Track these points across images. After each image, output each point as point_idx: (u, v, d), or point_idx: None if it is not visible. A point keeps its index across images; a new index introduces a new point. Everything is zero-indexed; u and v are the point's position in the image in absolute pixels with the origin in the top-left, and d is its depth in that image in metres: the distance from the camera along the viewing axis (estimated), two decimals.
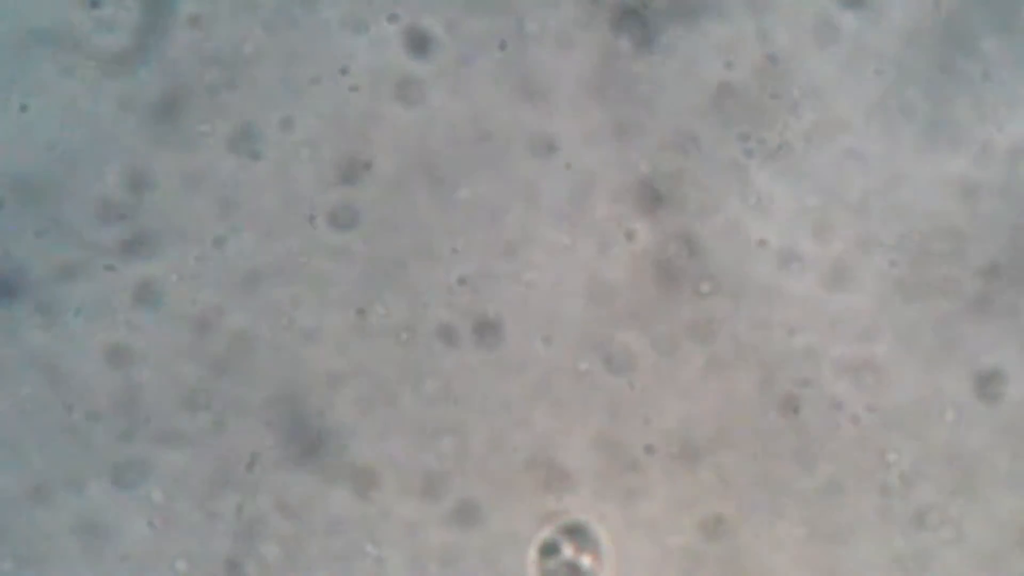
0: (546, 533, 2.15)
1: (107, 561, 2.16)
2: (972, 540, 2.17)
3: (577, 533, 2.15)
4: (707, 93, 2.20)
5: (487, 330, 2.18)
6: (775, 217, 2.19)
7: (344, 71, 2.19)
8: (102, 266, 2.15)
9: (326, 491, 2.16)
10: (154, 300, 2.16)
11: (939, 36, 2.20)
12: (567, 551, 2.16)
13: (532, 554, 2.15)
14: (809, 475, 2.17)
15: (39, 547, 2.15)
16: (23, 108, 2.16)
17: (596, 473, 2.18)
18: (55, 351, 2.15)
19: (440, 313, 2.18)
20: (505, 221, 2.20)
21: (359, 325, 2.17)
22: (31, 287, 2.15)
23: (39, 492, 2.14)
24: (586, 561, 2.16)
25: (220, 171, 2.17)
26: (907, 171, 2.20)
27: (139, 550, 2.15)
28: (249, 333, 2.16)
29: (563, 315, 2.19)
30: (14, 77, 2.16)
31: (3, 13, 2.16)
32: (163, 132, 2.17)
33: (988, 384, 2.17)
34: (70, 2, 2.17)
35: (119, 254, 2.15)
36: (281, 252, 2.17)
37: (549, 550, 2.16)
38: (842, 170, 2.19)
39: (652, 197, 2.20)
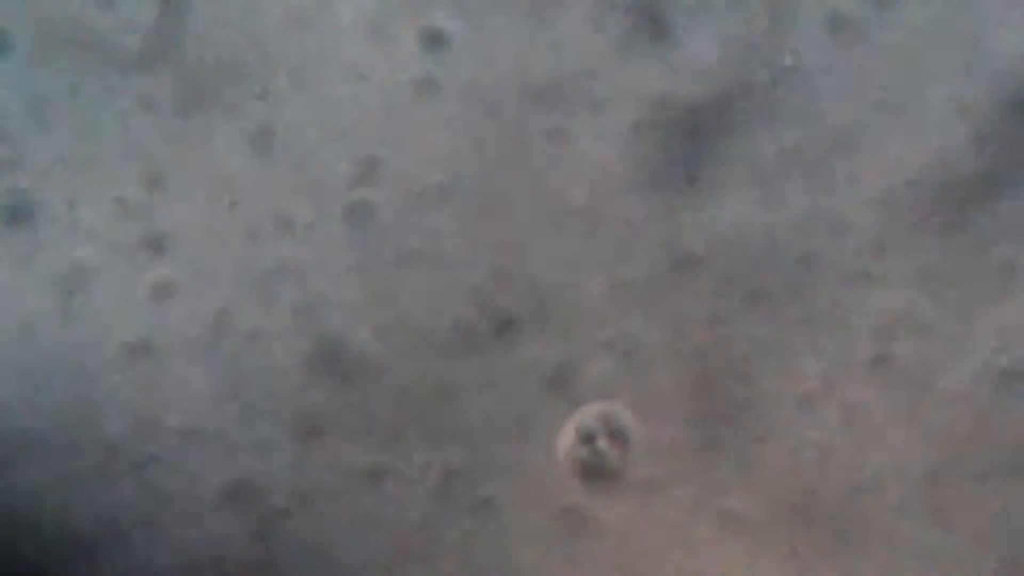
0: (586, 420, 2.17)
1: (123, 560, 2.18)
2: (997, 536, 2.17)
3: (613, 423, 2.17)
4: (723, 89, 2.19)
5: (505, 327, 2.19)
6: (792, 213, 2.18)
7: (360, 69, 2.18)
8: (119, 264, 2.17)
9: (343, 487, 2.17)
10: (171, 297, 2.17)
11: (957, 30, 2.18)
12: (602, 441, 2.18)
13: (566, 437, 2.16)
14: (829, 474, 2.17)
15: (55, 547, 2.17)
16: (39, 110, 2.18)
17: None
18: (74, 349, 2.17)
19: (457, 310, 2.18)
20: (521, 218, 2.19)
21: (376, 323, 2.18)
22: (48, 286, 2.17)
23: (56, 489, 2.17)
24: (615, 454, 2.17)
25: (237, 170, 2.18)
26: (924, 165, 2.18)
27: (154, 549, 2.18)
28: (265, 332, 2.18)
29: (580, 312, 2.19)
30: (31, 78, 2.17)
31: (19, 13, 2.17)
32: (180, 131, 2.18)
33: (1010, 379, 2.17)
34: (87, 2, 2.17)
35: (136, 253, 2.17)
36: (298, 251, 2.18)
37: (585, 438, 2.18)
38: (859, 167, 2.18)
39: (669, 193, 2.19)
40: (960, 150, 2.17)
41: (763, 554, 2.18)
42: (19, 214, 2.17)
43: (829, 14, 2.09)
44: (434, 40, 2.19)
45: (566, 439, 2.18)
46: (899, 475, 2.19)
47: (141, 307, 2.17)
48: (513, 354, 2.19)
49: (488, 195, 2.20)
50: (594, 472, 2.19)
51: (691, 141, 2.18)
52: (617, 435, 2.17)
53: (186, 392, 2.18)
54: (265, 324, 2.18)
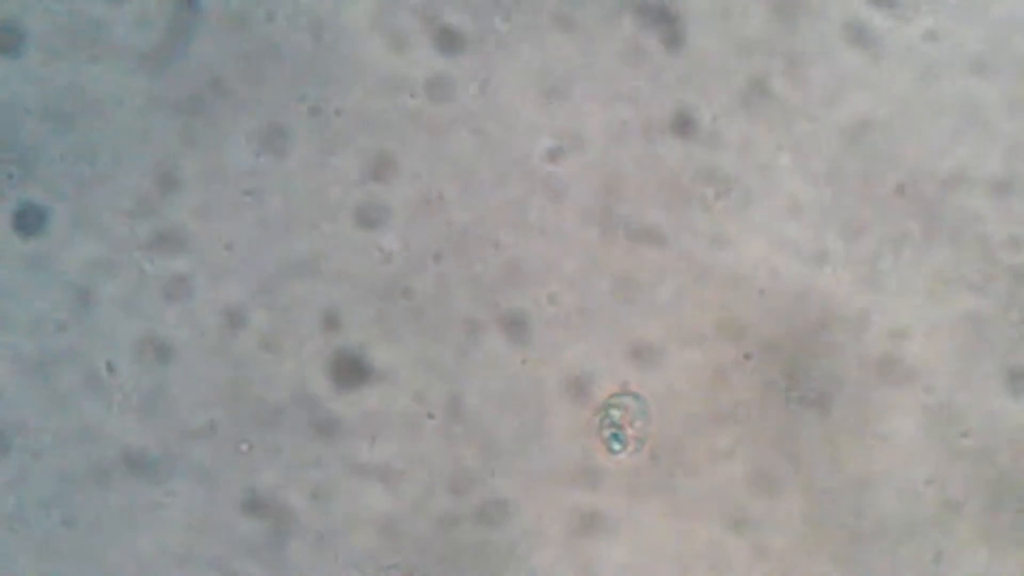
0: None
1: (131, 557, 2.15)
2: (1002, 539, 2.17)
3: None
4: (736, 91, 2.20)
5: (515, 327, 2.18)
6: (806, 215, 2.19)
7: (371, 68, 2.19)
8: (131, 261, 2.15)
9: (353, 487, 2.16)
10: (183, 296, 2.16)
11: (970, 32, 2.21)
12: (616, 442, 2.18)
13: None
14: (838, 474, 2.17)
15: (65, 544, 2.15)
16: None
17: (627, 467, 2.18)
18: (86, 345, 2.16)
19: (467, 309, 2.18)
20: (531, 218, 2.20)
21: (386, 323, 2.17)
22: (60, 283, 2.16)
23: (66, 487, 2.14)
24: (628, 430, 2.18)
25: (248, 167, 2.18)
26: (937, 168, 2.20)
27: (163, 547, 2.15)
28: (276, 330, 2.16)
29: (590, 312, 2.19)
30: (43, 74, 2.17)
31: (32, 10, 2.16)
32: (191, 128, 2.17)
33: (1019, 381, 2.18)
34: None
35: (148, 250, 2.16)
36: (309, 249, 2.17)
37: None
38: (873, 166, 2.20)
39: (680, 195, 2.20)
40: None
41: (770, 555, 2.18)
42: (30, 211, 2.16)
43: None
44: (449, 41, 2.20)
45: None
46: (904, 475, 2.19)
47: (153, 305, 2.16)
48: (526, 354, 2.19)
49: (501, 194, 2.20)
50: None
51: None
52: (633, 436, 2.17)
53: (199, 391, 2.16)
54: (278, 323, 2.17)
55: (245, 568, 2.15)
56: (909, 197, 2.20)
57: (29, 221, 2.15)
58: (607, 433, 2.17)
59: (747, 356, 2.18)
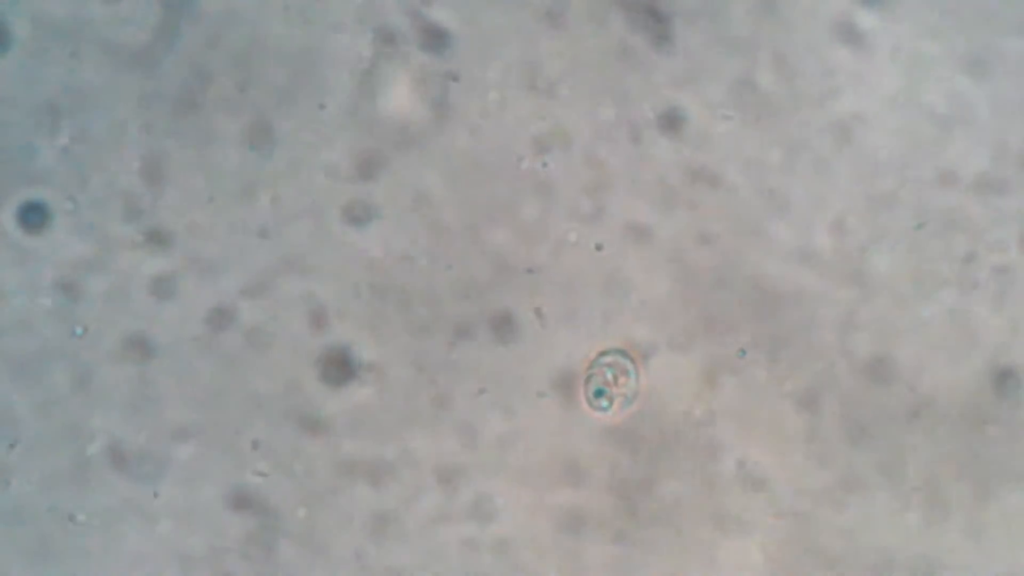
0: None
1: (120, 555, 2.15)
2: (988, 537, 2.18)
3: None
4: (724, 89, 2.20)
5: (503, 325, 2.18)
6: (793, 213, 2.19)
7: (359, 66, 2.19)
8: (119, 258, 2.15)
9: (342, 484, 2.16)
10: (170, 293, 2.16)
11: (959, 31, 2.21)
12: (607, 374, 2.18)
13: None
14: (826, 471, 2.18)
15: (53, 542, 2.15)
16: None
17: (612, 466, 2.18)
18: (73, 344, 2.16)
19: (456, 308, 2.18)
20: (520, 216, 2.20)
21: (374, 320, 2.17)
22: (49, 280, 2.16)
23: (53, 485, 2.14)
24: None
25: (237, 165, 2.17)
26: (922, 166, 2.20)
27: (151, 545, 2.15)
28: (264, 327, 2.16)
29: (579, 310, 2.19)
30: (32, 73, 2.16)
31: (21, 7, 2.16)
32: (181, 126, 2.17)
33: (1005, 381, 2.18)
34: None
35: (136, 247, 2.16)
36: (297, 246, 2.17)
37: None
38: (859, 166, 2.20)
39: (668, 192, 2.20)
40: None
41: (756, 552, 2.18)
42: (32, 209, 2.16)
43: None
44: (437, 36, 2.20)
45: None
46: (892, 473, 2.20)
47: (141, 302, 2.16)
48: (514, 352, 2.19)
49: (489, 192, 2.20)
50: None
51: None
52: (620, 394, 2.17)
53: (186, 388, 2.16)
54: (265, 320, 2.17)
55: (233, 566, 2.15)
56: (897, 196, 2.20)
57: (33, 219, 2.15)
58: (594, 392, 2.17)
59: (739, 354, 2.18)
